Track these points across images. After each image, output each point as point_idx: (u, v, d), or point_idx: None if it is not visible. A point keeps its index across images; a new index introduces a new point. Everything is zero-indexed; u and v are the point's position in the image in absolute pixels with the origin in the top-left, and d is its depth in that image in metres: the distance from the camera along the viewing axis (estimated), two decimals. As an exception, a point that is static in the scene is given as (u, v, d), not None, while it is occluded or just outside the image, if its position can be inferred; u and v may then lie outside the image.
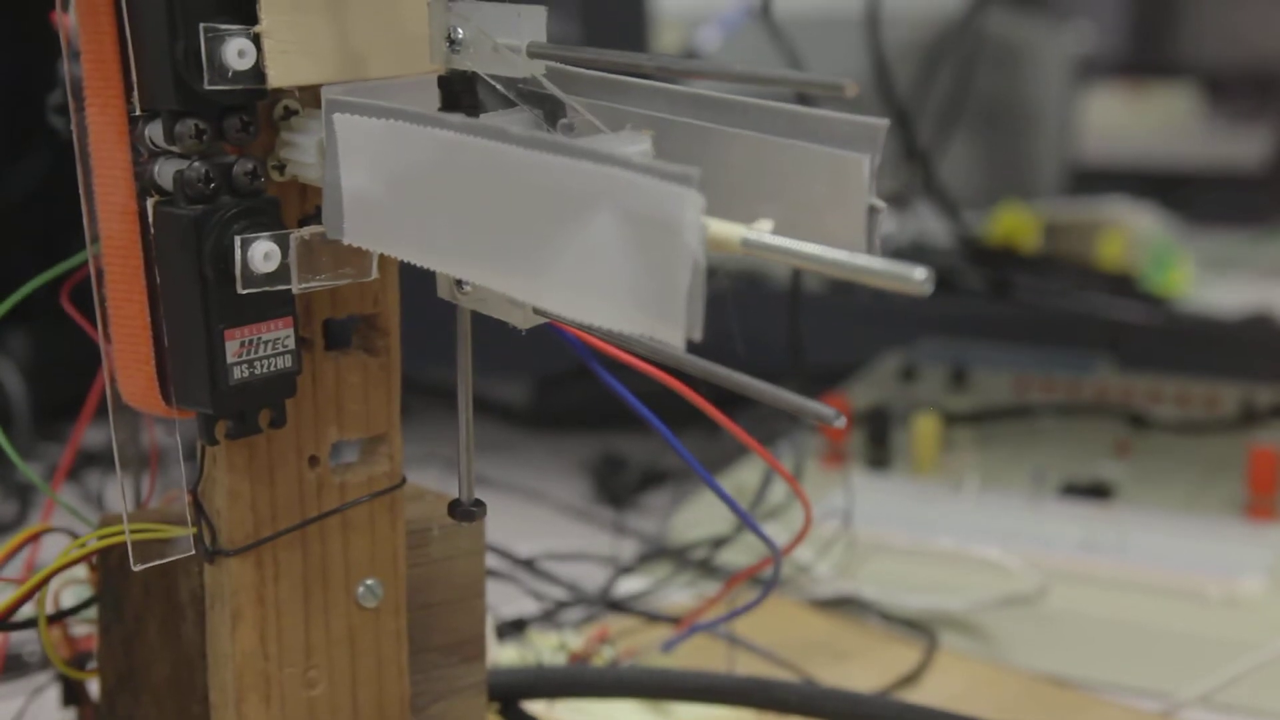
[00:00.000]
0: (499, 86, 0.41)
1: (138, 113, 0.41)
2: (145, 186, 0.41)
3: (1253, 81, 2.69)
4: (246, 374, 0.42)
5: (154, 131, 0.41)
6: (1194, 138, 2.52)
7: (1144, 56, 2.89)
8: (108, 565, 0.52)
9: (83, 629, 0.57)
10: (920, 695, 0.69)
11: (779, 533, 0.77)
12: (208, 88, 0.40)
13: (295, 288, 0.42)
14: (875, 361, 1.13)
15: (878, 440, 0.93)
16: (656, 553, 0.84)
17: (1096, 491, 0.87)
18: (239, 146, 0.41)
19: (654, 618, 0.75)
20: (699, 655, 0.69)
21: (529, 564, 0.80)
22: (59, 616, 0.54)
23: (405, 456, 0.48)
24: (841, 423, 0.36)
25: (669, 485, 0.98)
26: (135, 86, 0.41)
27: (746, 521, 0.60)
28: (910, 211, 1.51)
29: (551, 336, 0.47)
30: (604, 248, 0.35)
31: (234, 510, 0.44)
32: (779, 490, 0.81)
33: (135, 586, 0.50)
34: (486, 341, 0.46)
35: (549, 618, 0.76)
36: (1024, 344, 1.16)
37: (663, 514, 0.92)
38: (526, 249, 0.36)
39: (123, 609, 0.51)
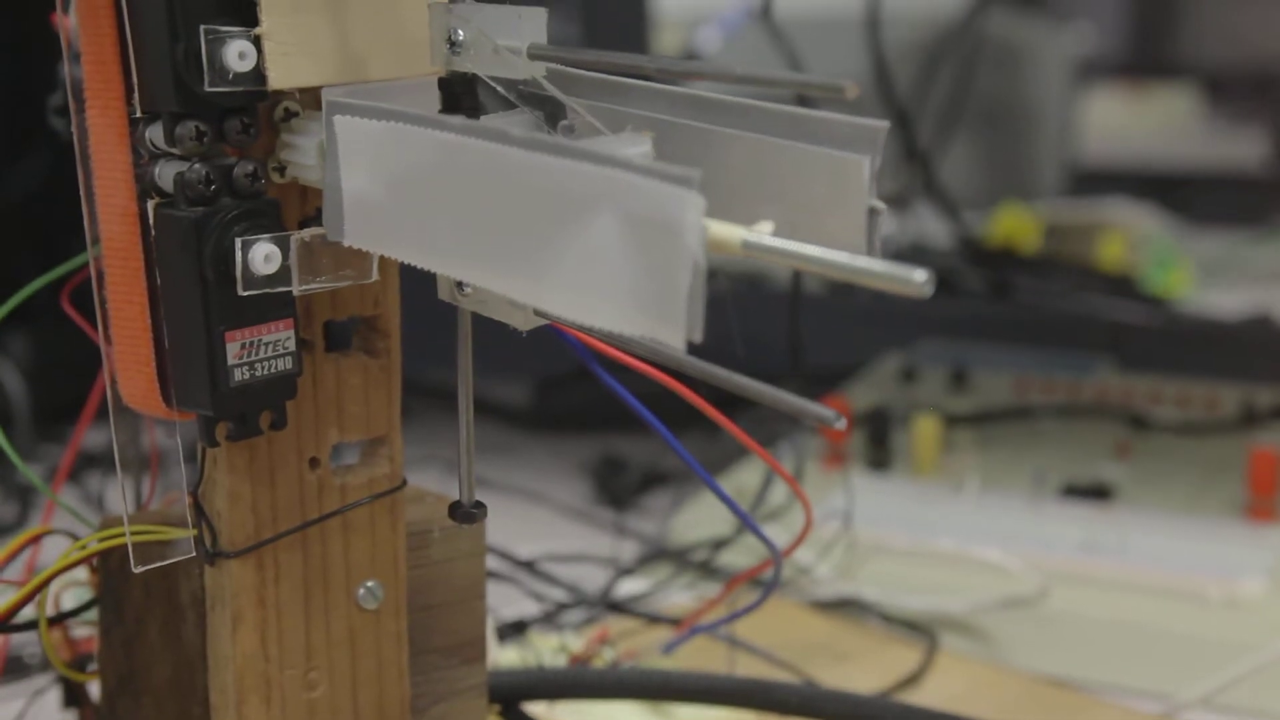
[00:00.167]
0: (499, 88, 0.41)
1: (138, 115, 0.41)
2: (146, 188, 0.41)
3: (1253, 82, 2.69)
4: (247, 376, 0.42)
5: (154, 133, 0.41)
6: (1194, 138, 2.52)
7: (1144, 57, 2.89)
8: (108, 567, 0.52)
9: (83, 631, 0.57)
10: (921, 697, 0.69)
11: (779, 534, 0.77)
12: (208, 90, 0.40)
13: (296, 289, 0.42)
14: (875, 363, 1.13)
15: (878, 441, 0.93)
16: (657, 554, 0.84)
17: (1097, 493, 0.87)
18: (239, 148, 0.41)
19: (654, 619, 0.75)
20: (699, 657, 0.69)
21: (529, 566, 0.80)
22: (60, 618, 0.54)
23: (406, 458, 0.48)
24: (842, 425, 0.36)
25: (669, 487, 0.98)
26: (136, 88, 0.41)
27: (747, 523, 0.60)
28: (910, 212, 1.51)
29: (552, 338, 0.47)
30: (604, 249, 0.35)
31: (234, 512, 0.44)
32: (779, 492, 0.81)
33: (136, 588, 0.50)
34: (487, 343, 0.46)
35: (549, 619, 0.76)
36: (1024, 345, 1.16)
37: (663, 515, 0.92)
38: (527, 251, 0.36)
39: (123, 611, 0.51)
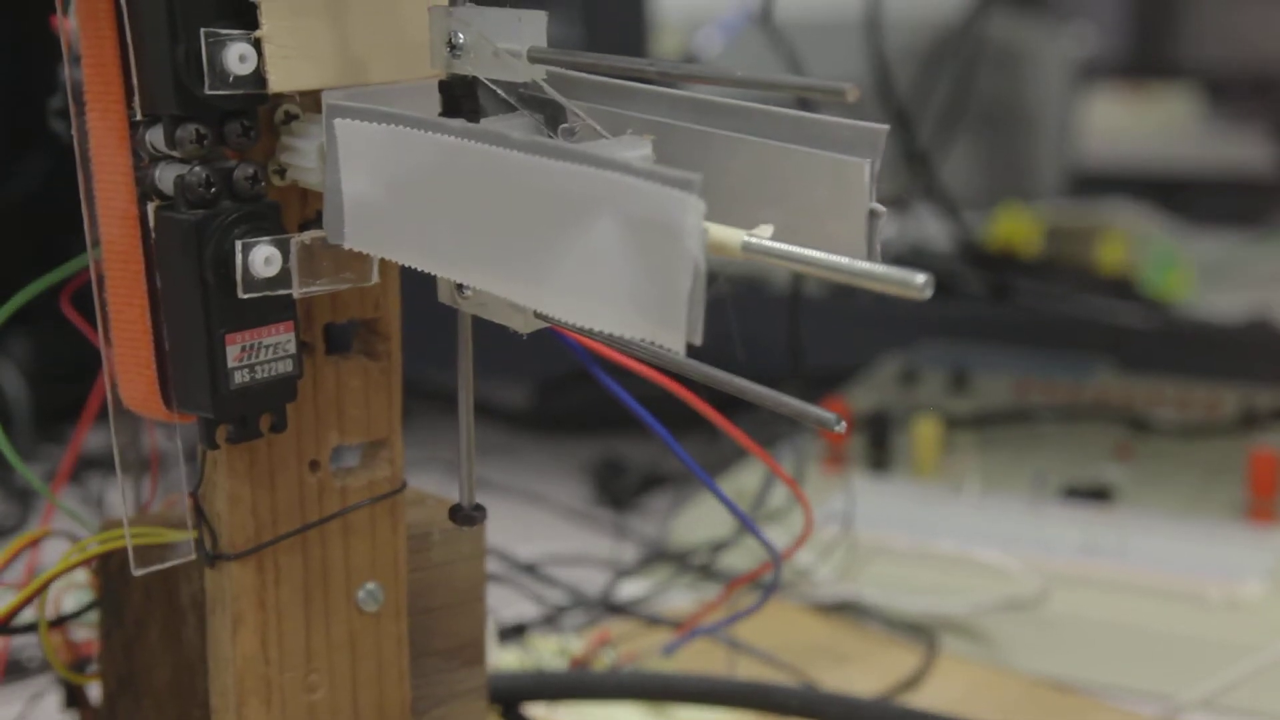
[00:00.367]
0: (500, 91, 0.41)
1: (138, 117, 0.41)
2: (146, 191, 0.41)
3: (1253, 83, 2.69)
4: (247, 378, 0.42)
5: (155, 136, 0.41)
6: (1194, 140, 2.52)
7: (1144, 59, 2.89)
8: (108, 569, 0.52)
9: (84, 633, 0.57)
10: (921, 699, 0.69)
11: (779, 536, 0.77)
12: (208, 92, 0.40)
13: (296, 292, 0.42)
14: (876, 365, 1.13)
15: (878, 444, 0.93)
16: (657, 556, 0.84)
17: (1097, 495, 0.87)
18: (240, 151, 0.41)
19: (655, 621, 0.75)
20: (700, 659, 0.69)
21: (530, 568, 0.80)
22: (60, 621, 0.54)
23: (406, 460, 0.48)
24: (842, 427, 0.36)
25: (669, 489, 0.98)
26: (136, 91, 0.41)
27: (747, 525, 0.60)
28: (911, 214, 1.51)
29: (552, 340, 0.47)
30: (605, 252, 0.35)
31: (235, 514, 0.44)
32: (779, 493, 0.81)
33: (136, 591, 0.51)
34: (487, 345, 0.46)
35: (550, 621, 0.76)
36: (1024, 347, 1.16)
37: (663, 517, 0.92)
38: (527, 254, 0.36)
39: (123, 613, 0.51)
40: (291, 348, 0.43)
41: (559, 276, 0.36)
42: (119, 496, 0.46)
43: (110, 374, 0.44)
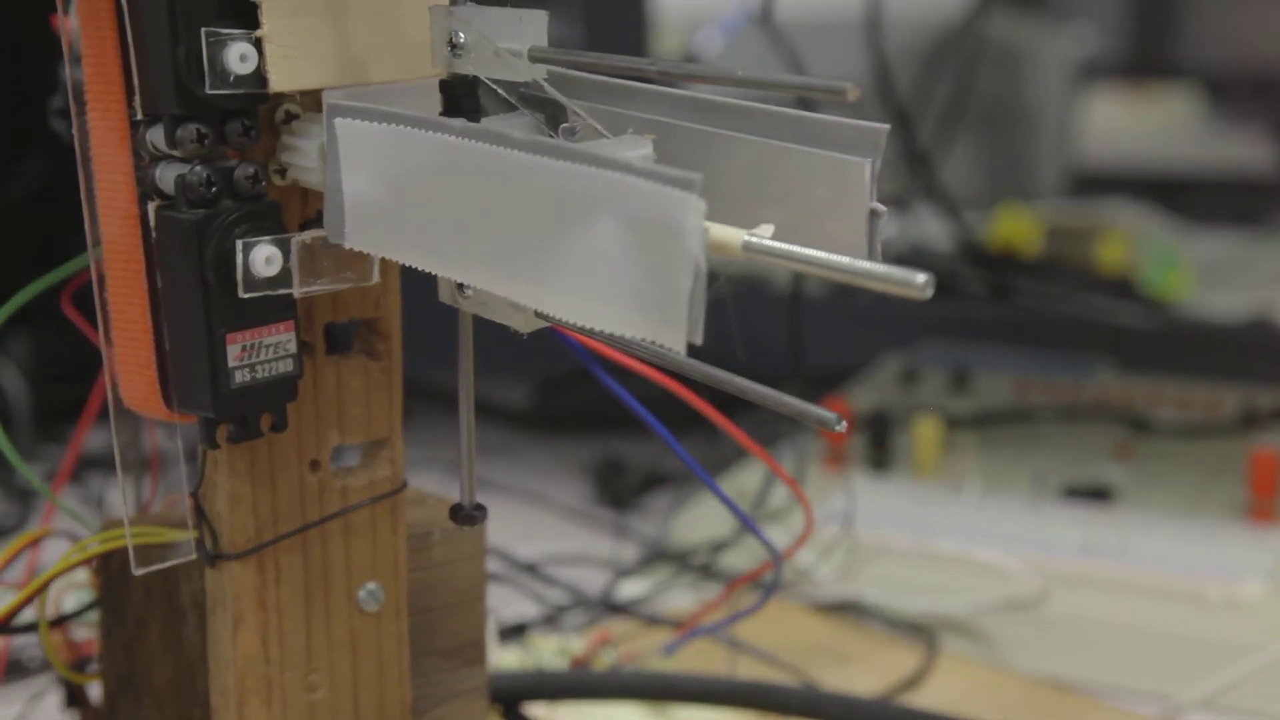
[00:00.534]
0: (500, 91, 0.41)
1: (139, 117, 0.41)
2: (147, 191, 0.42)
3: (1253, 83, 2.69)
4: (248, 378, 0.42)
5: (155, 136, 0.41)
6: (1195, 140, 2.52)
7: (1144, 59, 2.89)
8: (109, 569, 0.52)
9: (84, 633, 0.57)
10: (921, 699, 0.69)
11: (780, 536, 0.77)
12: (209, 92, 0.40)
13: (297, 292, 0.42)
14: (876, 365, 1.13)
15: (879, 443, 0.93)
16: (657, 556, 0.84)
17: (1097, 494, 0.87)
18: (240, 151, 0.41)
19: (655, 621, 0.75)
20: (700, 659, 0.69)
21: (530, 568, 0.80)
22: (60, 620, 0.54)
23: (407, 460, 0.48)
24: (842, 427, 0.36)
25: (670, 488, 0.98)
26: (137, 91, 0.41)
27: (747, 524, 0.60)
28: (911, 214, 1.51)
29: (553, 340, 0.47)
30: (606, 252, 0.35)
31: (235, 514, 0.44)
32: (780, 493, 0.81)
33: (136, 590, 0.51)
34: (488, 345, 0.46)
35: (550, 621, 0.76)
36: (1025, 347, 1.16)
37: (664, 517, 0.92)
38: (528, 253, 0.36)
39: (124, 613, 0.51)
40: (292, 347, 0.43)
41: (560, 276, 0.36)
42: (119, 496, 0.46)
43: (111, 374, 0.44)
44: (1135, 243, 1.55)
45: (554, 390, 1.15)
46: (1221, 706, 0.70)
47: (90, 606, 0.53)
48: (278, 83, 0.41)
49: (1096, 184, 1.94)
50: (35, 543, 0.52)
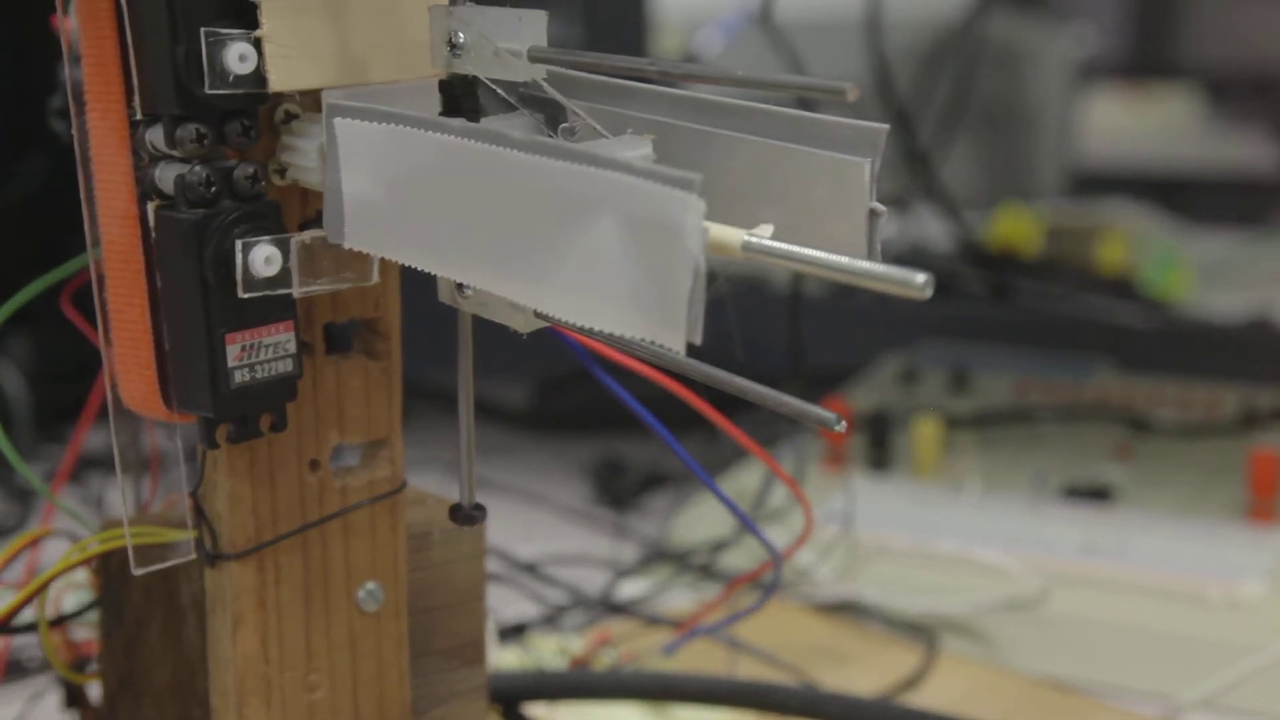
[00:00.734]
0: (500, 91, 0.41)
1: (139, 117, 0.41)
2: (146, 191, 0.42)
3: (1254, 83, 2.69)
4: (247, 378, 0.42)
5: (155, 136, 0.41)
6: (1195, 140, 2.52)
7: (1144, 59, 2.89)
8: (109, 569, 0.52)
9: (83, 633, 0.57)
10: (921, 699, 0.69)
11: (780, 536, 0.77)
12: (209, 92, 0.40)
13: (296, 292, 0.42)
14: (876, 365, 1.13)
15: (879, 443, 0.93)
16: (657, 556, 0.84)
17: (1097, 494, 0.87)
18: (240, 151, 0.41)
19: (655, 621, 0.75)
20: (700, 659, 0.69)
21: (530, 568, 0.80)
22: (60, 621, 0.54)
23: (406, 460, 0.48)
24: (842, 427, 0.36)
25: (670, 488, 0.98)
26: (136, 91, 0.41)
27: (747, 524, 0.60)
28: (911, 214, 1.51)
29: (552, 340, 0.47)
30: (605, 252, 0.35)
31: (235, 514, 0.44)
32: (780, 493, 0.81)
33: (136, 590, 0.51)
34: (487, 345, 0.46)
35: (550, 621, 0.76)
36: (1025, 347, 1.16)
37: (663, 517, 0.92)
38: (528, 253, 0.36)
39: (124, 613, 0.51)
40: (292, 347, 0.43)
41: (559, 276, 0.36)
42: (119, 496, 0.46)
43: (110, 374, 0.44)
44: (1135, 243, 1.55)
45: (554, 390, 1.15)
46: (1221, 706, 0.70)
47: (90, 606, 0.53)
48: (277, 83, 0.41)
49: (1096, 184, 1.94)
50: (35, 543, 0.52)
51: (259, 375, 0.42)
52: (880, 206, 0.37)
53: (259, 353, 0.42)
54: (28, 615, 0.50)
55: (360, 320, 0.46)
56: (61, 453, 1.00)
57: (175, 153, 0.40)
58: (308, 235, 0.42)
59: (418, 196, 0.39)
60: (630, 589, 0.80)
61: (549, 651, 0.69)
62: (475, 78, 0.41)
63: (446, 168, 0.38)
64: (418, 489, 0.51)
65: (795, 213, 0.38)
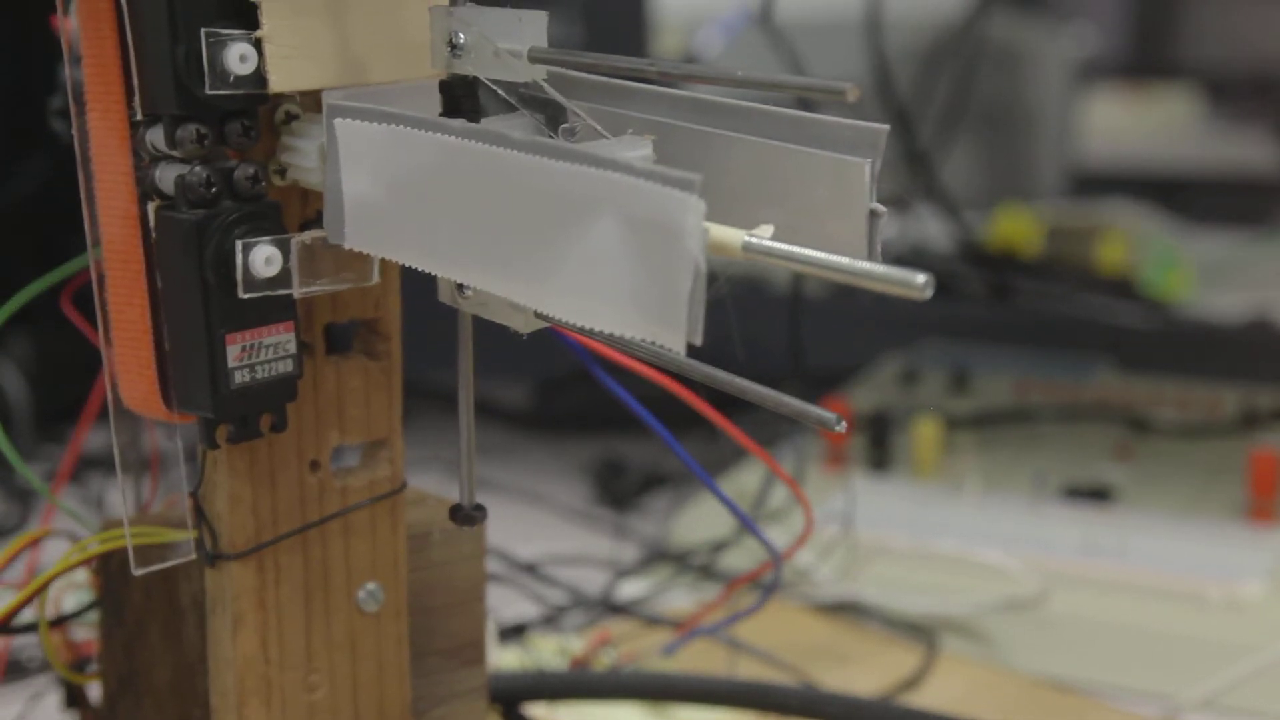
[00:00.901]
0: (500, 91, 0.41)
1: (139, 117, 0.41)
2: (146, 191, 0.42)
3: (1254, 83, 2.69)
4: (248, 378, 0.42)
5: (155, 136, 0.41)
6: (1195, 140, 2.52)
7: (1145, 59, 2.89)
8: (109, 569, 0.52)
9: (83, 633, 0.57)
10: (921, 699, 0.69)
11: (780, 536, 0.77)
12: (209, 92, 0.40)
13: (296, 292, 0.42)
14: (876, 365, 1.13)
15: (879, 443, 0.93)
16: (657, 556, 0.84)
17: (1097, 495, 0.87)
18: (240, 151, 0.41)
19: (655, 621, 0.75)
20: (700, 659, 0.69)
21: (530, 568, 0.80)
22: (60, 621, 0.54)
23: (406, 460, 0.48)
24: (842, 427, 0.36)
25: (670, 488, 0.98)
26: (136, 91, 0.41)
27: (747, 525, 0.60)
28: (911, 214, 1.50)
29: (552, 340, 0.47)
30: (606, 252, 0.35)
31: (235, 514, 0.44)
32: (780, 493, 0.81)
33: (136, 590, 0.51)
34: (487, 345, 0.46)
35: (550, 621, 0.76)
36: (1025, 347, 1.16)
37: (663, 517, 0.92)
38: (528, 253, 0.36)
39: (124, 613, 0.51)
40: (292, 347, 0.43)
41: (559, 276, 0.36)
42: (119, 496, 0.46)
43: (110, 374, 0.44)
44: (1135, 243, 1.55)
45: (554, 390, 1.15)
46: (1221, 706, 0.70)
47: (90, 606, 0.53)
48: (277, 83, 0.41)
49: (1096, 184, 1.94)
50: (35, 543, 0.52)
51: (259, 375, 0.42)
52: (880, 207, 0.37)
53: (259, 353, 0.42)
54: (28, 615, 0.50)
55: (360, 320, 0.46)
56: (61, 453, 1.00)
57: (175, 153, 0.40)
58: (308, 235, 0.42)
59: (418, 197, 0.39)
60: (630, 589, 0.80)
61: (549, 651, 0.69)
62: (475, 78, 0.41)
63: (447, 168, 0.38)
64: (418, 489, 0.51)
65: (795, 213, 0.38)
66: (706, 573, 0.81)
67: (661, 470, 1.00)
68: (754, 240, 0.34)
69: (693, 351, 0.35)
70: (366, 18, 0.42)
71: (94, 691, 0.55)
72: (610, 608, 0.77)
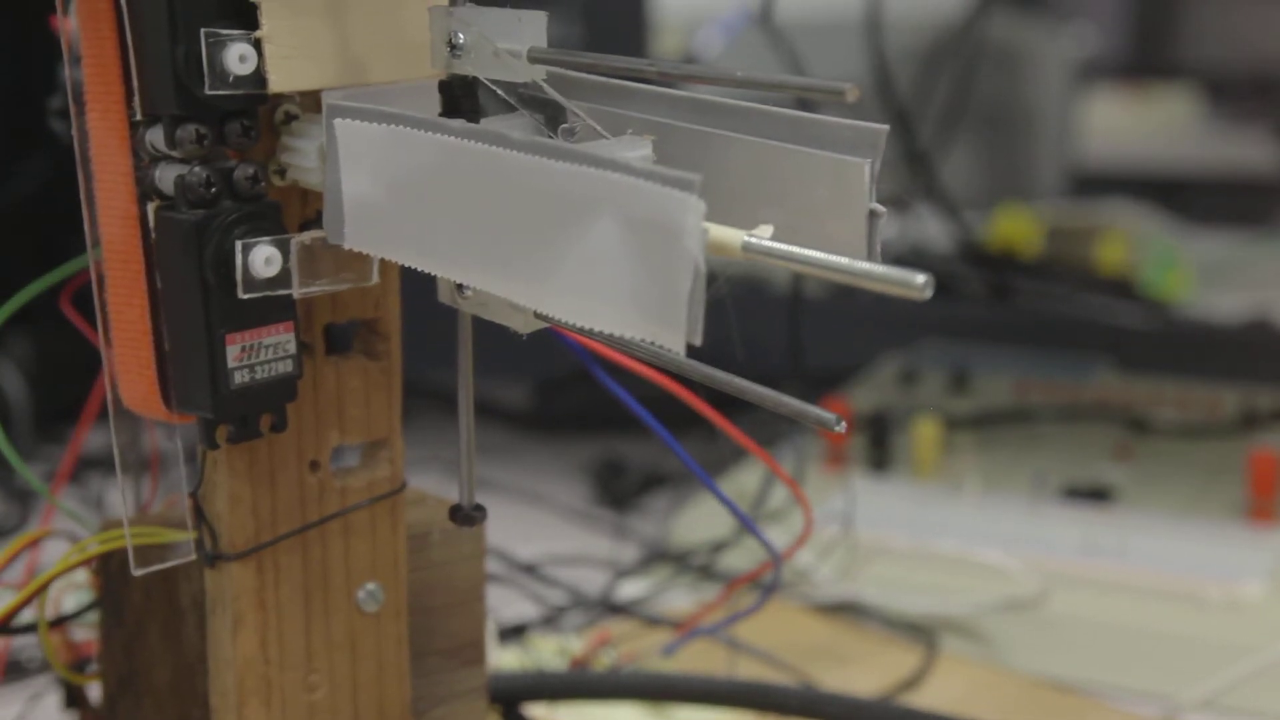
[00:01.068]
0: (500, 91, 0.41)
1: (139, 117, 0.41)
2: (146, 191, 0.42)
3: (1254, 84, 2.69)
4: (247, 378, 0.42)
5: (155, 136, 0.41)
6: (1195, 140, 2.52)
7: (1144, 59, 2.89)
8: (108, 570, 0.52)
9: (83, 633, 0.57)
10: (921, 699, 0.69)
11: (779, 536, 0.77)
12: (209, 93, 0.40)
13: (296, 292, 0.42)
14: (876, 365, 1.13)
15: (878, 443, 0.93)
16: (657, 556, 0.84)
17: (1097, 495, 0.87)
18: (240, 151, 0.41)
19: (655, 621, 0.75)
20: (700, 659, 0.69)
21: (530, 568, 0.80)
22: (60, 621, 0.54)
23: (406, 460, 0.48)
24: (842, 428, 0.36)
25: (669, 489, 0.98)
26: (136, 91, 0.41)
27: (747, 525, 0.60)
28: (911, 214, 1.50)
29: (552, 340, 0.47)
30: (605, 253, 0.35)
31: (235, 515, 0.44)
32: (779, 494, 0.81)
33: (136, 591, 0.51)
34: (487, 345, 0.46)
35: (550, 621, 0.76)
36: (1024, 347, 1.16)
37: (663, 517, 0.92)
38: (528, 254, 0.36)
39: (124, 613, 0.51)
40: (292, 348, 0.43)
41: (559, 276, 0.36)
42: (119, 496, 0.46)
43: (110, 374, 0.44)
44: (1135, 243, 1.55)
45: (554, 390, 1.15)
46: (1221, 706, 0.70)
47: (90, 607, 0.53)
48: (277, 83, 0.41)
49: (1096, 184, 1.94)
50: (35, 543, 0.52)
51: (259, 376, 0.42)
52: (880, 207, 0.37)
53: (259, 353, 0.42)
54: (28, 615, 0.50)
55: (360, 320, 0.46)
56: (61, 453, 1.00)
57: (175, 153, 0.41)
58: (308, 236, 0.42)
59: (418, 197, 0.39)
60: (630, 589, 0.80)
61: (549, 652, 0.69)
62: (475, 78, 0.41)
63: (446, 168, 0.38)
64: (418, 489, 0.51)
65: (795, 213, 0.38)
66: (706, 573, 0.81)
67: (661, 470, 1.00)
68: (754, 240, 0.34)
69: (692, 351, 0.35)
70: (366, 18, 0.42)
71: (94, 692, 0.55)
72: (610, 608, 0.77)
